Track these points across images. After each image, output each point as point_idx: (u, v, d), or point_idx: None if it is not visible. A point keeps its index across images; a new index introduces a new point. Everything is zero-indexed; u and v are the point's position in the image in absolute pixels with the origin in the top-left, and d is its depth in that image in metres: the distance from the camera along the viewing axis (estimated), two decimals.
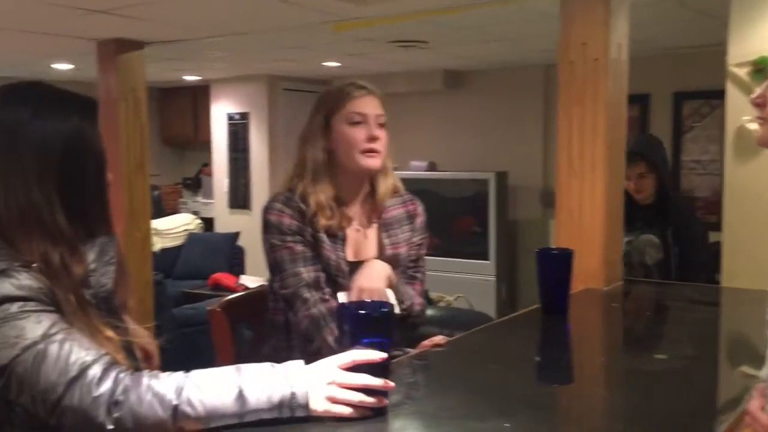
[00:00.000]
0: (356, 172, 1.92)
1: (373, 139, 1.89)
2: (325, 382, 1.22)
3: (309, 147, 1.92)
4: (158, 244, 6.04)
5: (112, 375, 1.18)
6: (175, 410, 1.17)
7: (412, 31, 4.48)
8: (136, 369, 1.28)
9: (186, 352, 3.85)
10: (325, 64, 6.05)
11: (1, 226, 1.27)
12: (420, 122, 6.75)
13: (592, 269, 2.30)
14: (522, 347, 1.91)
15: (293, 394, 1.19)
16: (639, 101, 5.75)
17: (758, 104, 1.26)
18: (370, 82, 1.96)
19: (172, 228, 6.54)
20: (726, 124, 2.86)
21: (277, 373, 1.22)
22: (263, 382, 1.20)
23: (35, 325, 1.18)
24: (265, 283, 2.15)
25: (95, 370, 1.17)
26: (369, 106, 1.91)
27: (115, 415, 1.16)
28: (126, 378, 1.19)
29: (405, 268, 2.03)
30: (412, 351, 1.88)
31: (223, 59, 5.85)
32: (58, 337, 1.18)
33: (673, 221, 3.14)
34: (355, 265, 1.93)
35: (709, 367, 1.65)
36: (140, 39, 4.07)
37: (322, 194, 1.88)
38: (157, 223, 6.28)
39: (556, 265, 1.98)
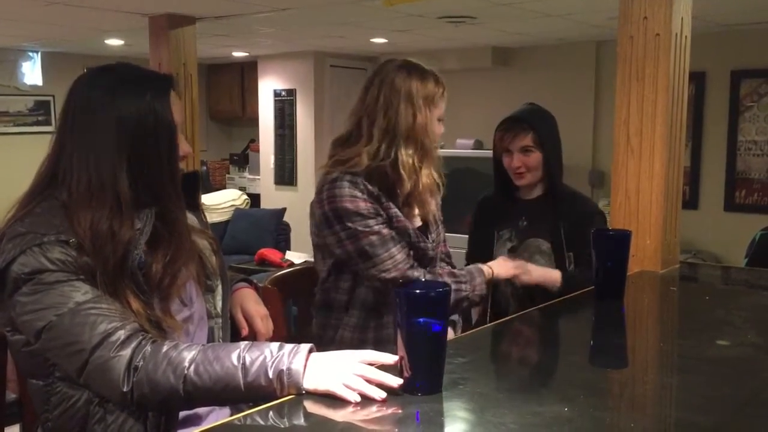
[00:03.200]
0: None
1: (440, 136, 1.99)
2: (327, 367, 1.25)
3: (402, 111, 1.88)
4: None
5: (135, 341, 1.27)
6: (185, 379, 1.25)
7: (462, 6, 4.41)
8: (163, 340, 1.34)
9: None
10: (372, 40, 6.00)
11: (70, 199, 1.35)
12: (467, 100, 6.67)
13: (649, 251, 2.24)
14: (577, 330, 1.88)
15: (289, 370, 1.24)
16: (694, 79, 5.59)
17: None
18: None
19: (219, 203, 6.61)
20: None
21: (282, 351, 1.27)
22: (266, 357, 1.25)
23: (70, 293, 1.28)
24: (310, 260, 2.16)
25: (120, 335, 1.27)
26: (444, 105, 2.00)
27: (133, 379, 1.25)
28: (147, 345, 1.27)
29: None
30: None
31: (271, 35, 5.85)
32: (90, 304, 1.27)
33: (567, 217, 2.27)
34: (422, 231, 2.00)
35: None
36: (192, 14, 4.08)
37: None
38: (205, 199, 6.34)
39: (613, 247, 1.92)
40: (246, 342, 1.32)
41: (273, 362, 1.25)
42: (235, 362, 1.26)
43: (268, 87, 7.45)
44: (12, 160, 6.88)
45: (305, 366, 1.25)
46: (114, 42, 5.95)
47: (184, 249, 1.43)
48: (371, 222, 1.85)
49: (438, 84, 1.95)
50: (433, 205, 2.03)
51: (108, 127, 1.36)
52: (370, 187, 1.87)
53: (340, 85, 7.17)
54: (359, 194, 1.86)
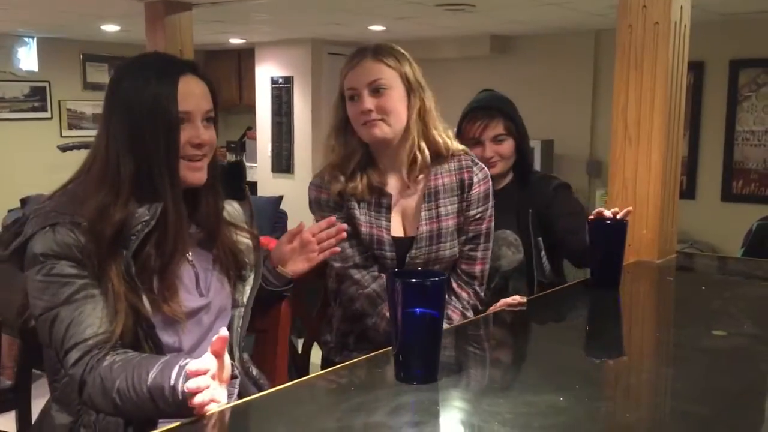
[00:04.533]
0: (370, 144, 1.86)
1: (363, 112, 1.81)
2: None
3: (332, 117, 1.93)
4: None
5: (84, 360, 1.30)
6: (117, 407, 1.27)
7: None
8: (149, 335, 1.36)
9: None
10: (370, 28, 5.97)
11: (88, 177, 1.41)
12: (465, 88, 6.59)
13: (646, 241, 2.24)
14: (573, 320, 1.88)
15: (173, 388, 1.19)
16: (693, 69, 5.57)
17: None
18: (380, 45, 1.86)
19: None
20: None
21: (173, 367, 1.22)
22: (165, 388, 1.21)
23: (59, 289, 1.32)
24: None
25: (73, 355, 1.31)
26: (359, 76, 1.82)
27: (83, 395, 1.31)
28: (95, 363, 1.30)
29: (460, 245, 1.89)
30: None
31: (268, 22, 5.82)
32: (72, 306, 1.32)
33: (532, 202, 2.18)
34: (403, 242, 1.85)
35: None
36: (188, 0, 4.06)
37: (347, 158, 1.86)
38: None
39: (610, 236, 1.92)
40: (153, 358, 1.30)
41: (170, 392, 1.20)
42: (143, 386, 1.23)
43: (265, 74, 7.42)
44: (8, 145, 6.85)
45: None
46: (110, 28, 5.92)
47: (176, 241, 1.41)
48: (326, 213, 1.84)
49: (348, 59, 1.87)
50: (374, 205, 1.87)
51: (117, 113, 1.40)
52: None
53: (338, 73, 7.12)
54: (325, 185, 1.89)
